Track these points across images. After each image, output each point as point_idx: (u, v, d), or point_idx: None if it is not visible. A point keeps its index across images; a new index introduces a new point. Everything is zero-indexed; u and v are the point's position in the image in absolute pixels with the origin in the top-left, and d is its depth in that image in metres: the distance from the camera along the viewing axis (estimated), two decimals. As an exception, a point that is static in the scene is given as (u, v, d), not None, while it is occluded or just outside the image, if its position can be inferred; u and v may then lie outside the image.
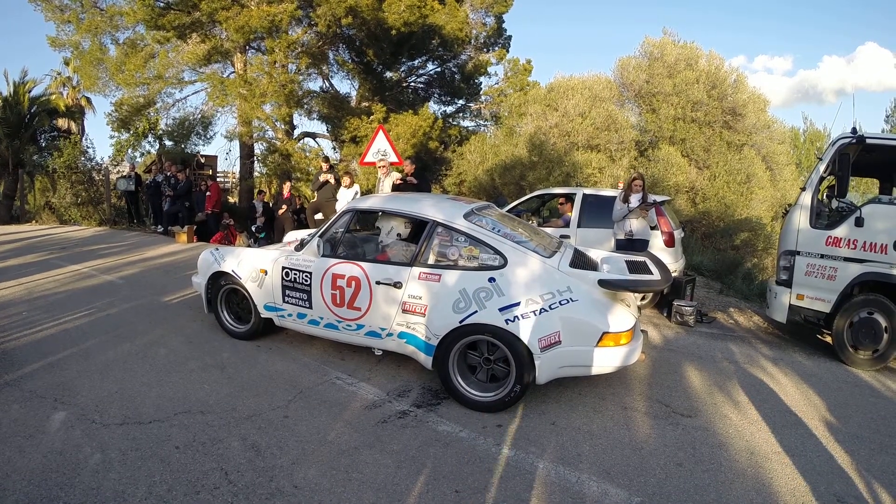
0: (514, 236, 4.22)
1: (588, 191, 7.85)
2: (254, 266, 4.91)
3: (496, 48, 17.55)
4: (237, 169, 17.83)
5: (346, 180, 10.16)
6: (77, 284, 7.58)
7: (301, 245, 4.82)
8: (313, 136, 17.58)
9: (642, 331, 4.23)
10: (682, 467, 3.23)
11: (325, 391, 4.11)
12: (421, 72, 17.78)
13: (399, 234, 5.45)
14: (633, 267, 4.35)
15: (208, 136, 18.19)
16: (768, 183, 13.45)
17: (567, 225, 7.67)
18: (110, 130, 17.74)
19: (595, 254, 4.91)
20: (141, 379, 4.26)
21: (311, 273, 4.50)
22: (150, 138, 18.26)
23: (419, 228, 4.63)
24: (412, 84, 18.00)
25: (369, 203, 5.10)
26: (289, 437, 3.41)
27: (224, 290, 5.23)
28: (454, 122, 18.26)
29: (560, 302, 3.69)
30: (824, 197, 5.76)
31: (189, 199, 12.77)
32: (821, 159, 5.43)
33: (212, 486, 2.88)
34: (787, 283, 5.54)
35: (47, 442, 3.34)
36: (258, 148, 16.60)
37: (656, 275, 4.12)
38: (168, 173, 13.07)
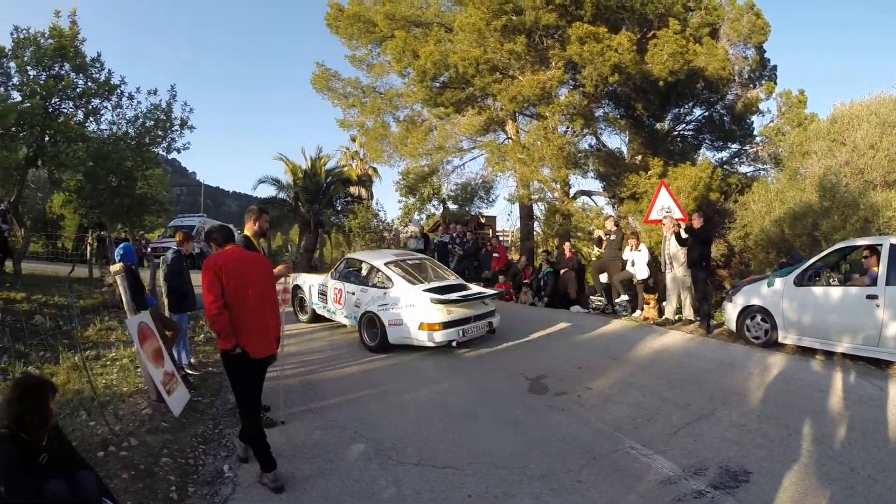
0: (405, 274, 7.97)
1: None
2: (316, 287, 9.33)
3: (762, 81, 16.08)
4: (516, 228, 18.74)
5: (632, 241, 10.04)
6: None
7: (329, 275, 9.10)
8: (588, 193, 17.70)
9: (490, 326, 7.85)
10: None
11: (619, 460, 4.08)
12: (688, 118, 17.04)
13: (365, 270, 8.57)
14: (454, 289, 7.81)
15: (491, 200, 19.23)
16: None
17: (874, 282, 6.48)
18: (398, 196, 19.91)
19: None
20: (436, 424, 4.67)
21: (327, 286, 8.94)
22: (435, 202, 20.11)
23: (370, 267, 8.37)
24: (681, 132, 17.32)
25: (352, 255, 9.64)
26: (580, 504, 3.43)
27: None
28: (732, 170, 16.96)
29: (407, 305, 7.38)
30: None
31: (476, 258, 13.67)
32: None
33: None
34: None
35: (345, 468, 3.88)
36: (537, 209, 17.36)
37: (474, 291, 7.90)
38: (454, 233, 14.32)
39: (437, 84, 15.22)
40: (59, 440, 2.96)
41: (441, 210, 19.78)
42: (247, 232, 4.96)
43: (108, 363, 6.48)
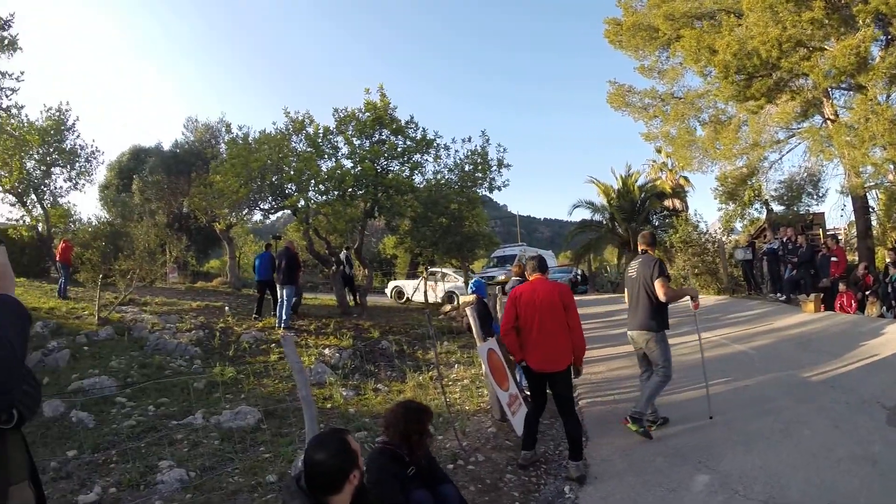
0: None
1: None
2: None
3: None
4: (848, 223, 16.44)
5: None
6: (709, 352, 8.04)
7: None
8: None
9: None
10: None
11: None
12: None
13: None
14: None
15: (820, 195, 17.26)
16: None
17: None
18: (718, 203, 18.78)
19: None
20: (785, 458, 4.20)
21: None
22: (757, 205, 18.36)
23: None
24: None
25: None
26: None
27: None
28: None
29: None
30: None
31: (812, 264, 11.84)
32: None
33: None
34: None
35: (689, 500, 3.66)
36: (871, 198, 14.78)
37: None
38: (784, 238, 12.66)
39: (741, 76, 13.94)
40: (426, 456, 3.33)
41: (764, 213, 17.95)
42: (651, 253, 5.49)
43: (449, 383, 7.27)
